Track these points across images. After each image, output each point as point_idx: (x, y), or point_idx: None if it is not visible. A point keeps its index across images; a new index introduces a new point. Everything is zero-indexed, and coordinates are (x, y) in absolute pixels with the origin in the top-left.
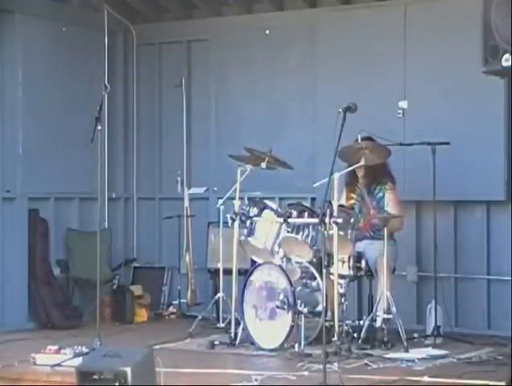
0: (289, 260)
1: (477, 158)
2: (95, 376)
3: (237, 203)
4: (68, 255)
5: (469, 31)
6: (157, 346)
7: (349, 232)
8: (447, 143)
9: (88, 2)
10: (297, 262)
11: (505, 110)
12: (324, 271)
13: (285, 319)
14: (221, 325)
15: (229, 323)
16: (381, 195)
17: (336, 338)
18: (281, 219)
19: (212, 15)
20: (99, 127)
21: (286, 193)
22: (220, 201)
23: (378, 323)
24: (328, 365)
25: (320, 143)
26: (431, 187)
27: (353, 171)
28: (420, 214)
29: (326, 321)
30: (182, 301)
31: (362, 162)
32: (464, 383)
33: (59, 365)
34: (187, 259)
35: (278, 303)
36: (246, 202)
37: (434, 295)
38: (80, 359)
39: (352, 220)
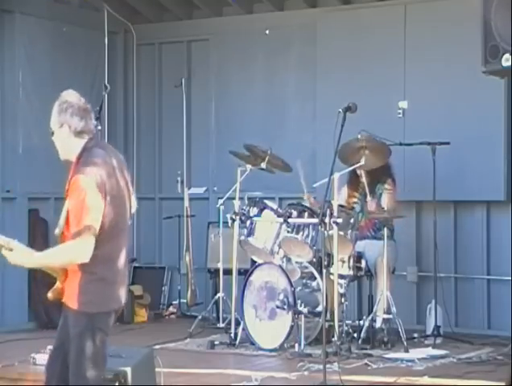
0: (289, 260)
1: (477, 158)
2: None
3: (237, 203)
4: None
5: (469, 31)
6: (157, 346)
7: (349, 231)
8: (447, 143)
9: (88, 2)
10: (297, 262)
11: (505, 110)
12: (324, 271)
13: (285, 319)
14: (221, 325)
15: (229, 323)
16: (381, 192)
17: (336, 338)
18: (281, 219)
19: (213, 15)
20: (99, 127)
21: (286, 193)
22: (220, 201)
23: (378, 323)
24: (328, 365)
25: (320, 143)
26: (431, 187)
27: (354, 171)
28: (420, 214)
29: (326, 321)
30: (182, 301)
31: (362, 162)
32: (464, 384)
33: None
34: (187, 259)
35: (278, 303)
36: (246, 202)
37: (434, 295)
38: None
39: (352, 220)
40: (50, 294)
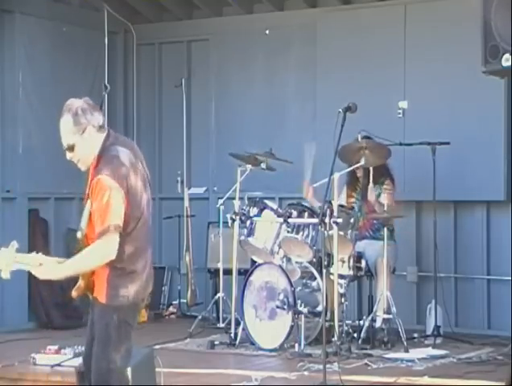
0: (289, 260)
1: (477, 158)
2: None
3: (237, 203)
4: (67, 255)
5: (469, 31)
6: (157, 346)
7: (349, 231)
8: (447, 143)
9: (88, 2)
10: (297, 262)
11: (505, 110)
12: (324, 271)
13: (285, 319)
14: (221, 325)
15: (229, 323)
16: (379, 192)
17: (336, 338)
18: (281, 219)
19: (213, 15)
20: None
21: (286, 193)
22: (220, 201)
23: (378, 323)
24: (328, 365)
25: (320, 143)
26: (431, 187)
27: (354, 171)
28: (420, 214)
29: (326, 321)
30: (182, 301)
31: (362, 162)
32: (464, 384)
33: (59, 365)
34: (187, 259)
35: (278, 303)
36: (246, 202)
37: (434, 295)
38: (80, 359)
39: (352, 220)
40: (74, 292)
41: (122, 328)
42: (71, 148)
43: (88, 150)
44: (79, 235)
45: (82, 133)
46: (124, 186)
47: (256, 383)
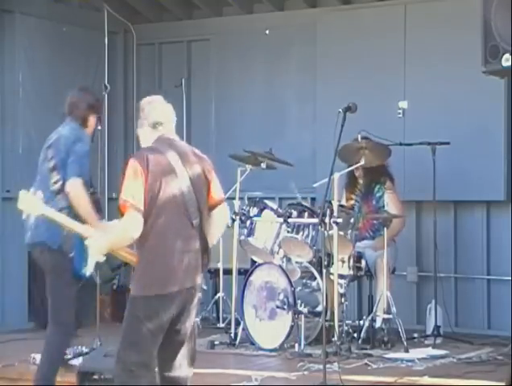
0: (289, 260)
1: (477, 158)
2: (95, 376)
3: (237, 203)
4: None
5: (469, 31)
6: None
7: (349, 231)
8: (447, 143)
9: (88, 2)
10: (297, 262)
11: (505, 110)
12: (324, 271)
13: (285, 319)
14: (221, 325)
15: (229, 323)
16: (380, 194)
17: (336, 338)
18: (281, 219)
19: (213, 15)
20: (99, 127)
21: (286, 193)
22: None
23: (378, 323)
24: (328, 365)
25: (320, 143)
26: (431, 187)
27: (352, 173)
28: (420, 214)
29: (326, 321)
30: None
31: (362, 162)
32: (464, 384)
33: None
34: None
35: (278, 303)
36: (246, 202)
37: (434, 295)
38: (80, 359)
39: (352, 220)
40: None
41: (133, 321)
42: (138, 139)
43: (144, 144)
44: None
45: (141, 127)
46: (144, 167)
47: (256, 383)
